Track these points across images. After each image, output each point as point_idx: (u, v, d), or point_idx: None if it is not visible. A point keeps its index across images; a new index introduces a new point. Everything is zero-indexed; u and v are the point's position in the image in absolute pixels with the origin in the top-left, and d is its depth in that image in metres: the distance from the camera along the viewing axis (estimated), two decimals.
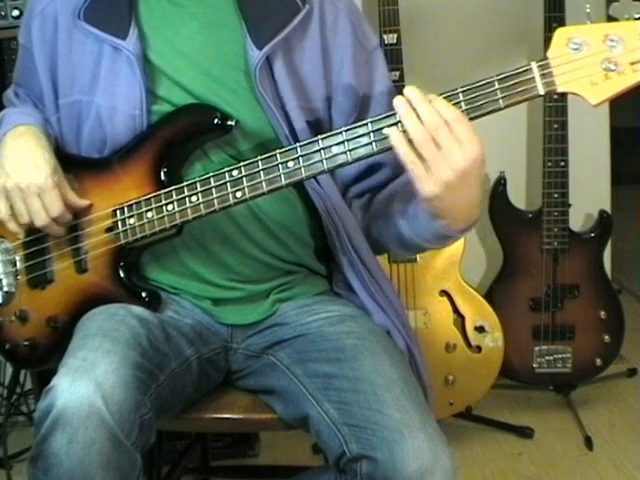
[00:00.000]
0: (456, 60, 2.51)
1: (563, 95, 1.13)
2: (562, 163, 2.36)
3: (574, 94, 1.13)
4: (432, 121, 1.14)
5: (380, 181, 1.43)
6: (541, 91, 1.13)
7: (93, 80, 1.37)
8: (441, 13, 2.55)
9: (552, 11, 2.28)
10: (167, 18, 1.37)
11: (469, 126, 1.15)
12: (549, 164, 2.37)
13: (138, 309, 1.33)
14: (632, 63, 1.09)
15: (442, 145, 1.14)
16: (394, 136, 1.17)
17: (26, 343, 1.42)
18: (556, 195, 2.38)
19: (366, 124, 1.20)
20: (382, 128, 1.19)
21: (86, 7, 1.37)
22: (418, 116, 1.15)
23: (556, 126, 2.35)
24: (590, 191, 2.63)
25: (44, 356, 1.42)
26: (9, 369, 2.42)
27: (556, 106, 2.33)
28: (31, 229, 1.39)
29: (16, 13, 2.08)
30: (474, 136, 1.15)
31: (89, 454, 1.11)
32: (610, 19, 1.12)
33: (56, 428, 1.11)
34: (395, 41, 2.22)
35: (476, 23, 2.56)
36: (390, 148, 1.20)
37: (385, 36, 2.20)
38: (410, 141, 1.16)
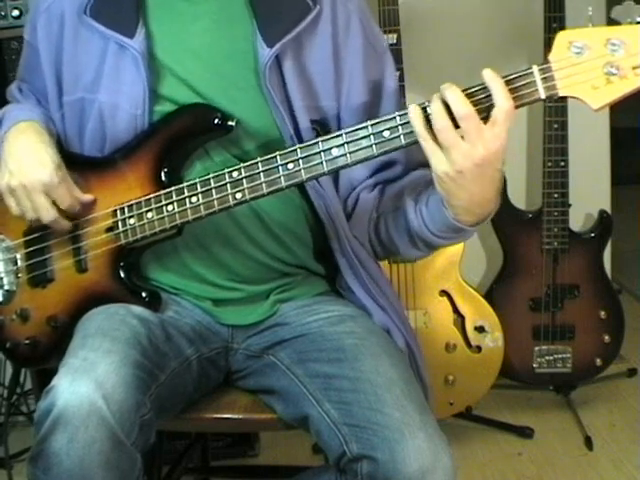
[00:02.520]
0: (456, 60, 2.51)
1: (564, 98, 1.12)
2: (562, 163, 2.36)
3: (575, 98, 1.12)
4: (465, 112, 1.13)
5: (391, 176, 1.42)
6: (542, 95, 1.13)
7: (97, 78, 1.37)
8: (441, 13, 2.55)
9: (552, 11, 2.28)
10: (177, 15, 1.37)
11: (511, 121, 1.14)
12: (549, 164, 2.37)
13: (138, 309, 1.33)
14: (634, 67, 1.08)
15: (468, 135, 1.13)
16: (412, 112, 1.16)
17: (27, 342, 1.42)
18: (556, 195, 2.38)
19: (366, 126, 1.20)
20: (382, 131, 1.19)
21: (93, 3, 1.36)
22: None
23: (556, 126, 2.35)
24: (590, 191, 2.63)
25: (44, 355, 1.42)
26: (9, 369, 2.41)
27: (556, 106, 2.33)
28: (32, 227, 1.39)
29: (16, 13, 2.08)
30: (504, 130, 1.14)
31: (89, 454, 1.11)
32: (612, 22, 1.11)
33: (56, 427, 1.11)
34: (395, 41, 2.22)
35: (476, 23, 2.56)
36: (390, 151, 1.20)
37: (385, 36, 2.20)
38: (429, 122, 1.15)
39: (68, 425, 1.11)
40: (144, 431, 1.19)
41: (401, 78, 2.21)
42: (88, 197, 1.36)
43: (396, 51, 2.21)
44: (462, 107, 1.13)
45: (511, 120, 1.14)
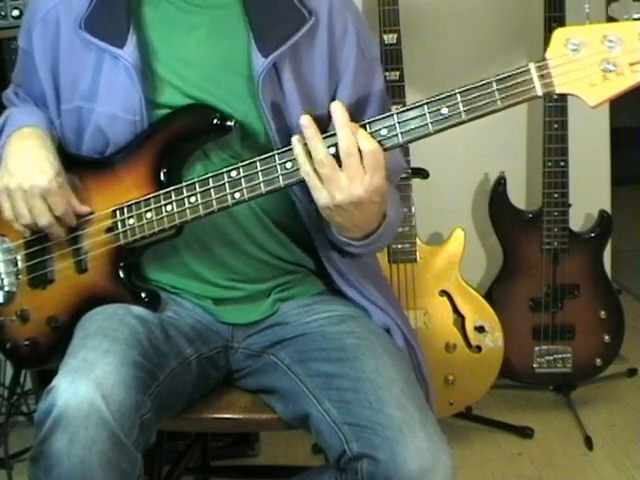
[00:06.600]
0: (456, 60, 2.51)
1: (562, 95, 1.13)
2: (562, 163, 2.36)
3: (572, 95, 1.12)
4: (348, 148, 1.18)
5: None
6: (539, 92, 1.13)
7: (93, 87, 1.37)
8: (441, 13, 2.55)
9: (552, 11, 2.28)
10: (174, 25, 1.37)
11: (381, 159, 1.19)
12: (549, 164, 2.37)
13: (138, 309, 1.34)
14: (631, 64, 1.08)
15: (348, 171, 1.18)
16: (296, 146, 1.21)
17: (26, 343, 1.42)
18: (556, 195, 2.38)
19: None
20: (379, 129, 1.20)
21: (87, 16, 1.36)
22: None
23: (556, 126, 2.35)
24: (590, 191, 2.62)
25: (44, 356, 1.43)
26: (9, 369, 2.42)
27: (556, 106, 2.33)
28: (33, 229, 1.39)
29: (16, 13, 2.08)
30: (380, 169, 1.19)
31: (89, 454, 1.11)
32: (610, 19, 1.12)
33: (57, 428, 1.12)
34: (395, 41, 2.21)
35: (476, 23, 2.56)
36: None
37: (385, 36, 2.20)
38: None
39: (68, 426, 1.11)
40: (144, 431, 1.19)
41: (401, 78, 2.21)
42: (85, 208, 1.37)
43: (396, 51, 2.21)
44: (347, 143, 1.18)
45: (381, 159, 1.19)
